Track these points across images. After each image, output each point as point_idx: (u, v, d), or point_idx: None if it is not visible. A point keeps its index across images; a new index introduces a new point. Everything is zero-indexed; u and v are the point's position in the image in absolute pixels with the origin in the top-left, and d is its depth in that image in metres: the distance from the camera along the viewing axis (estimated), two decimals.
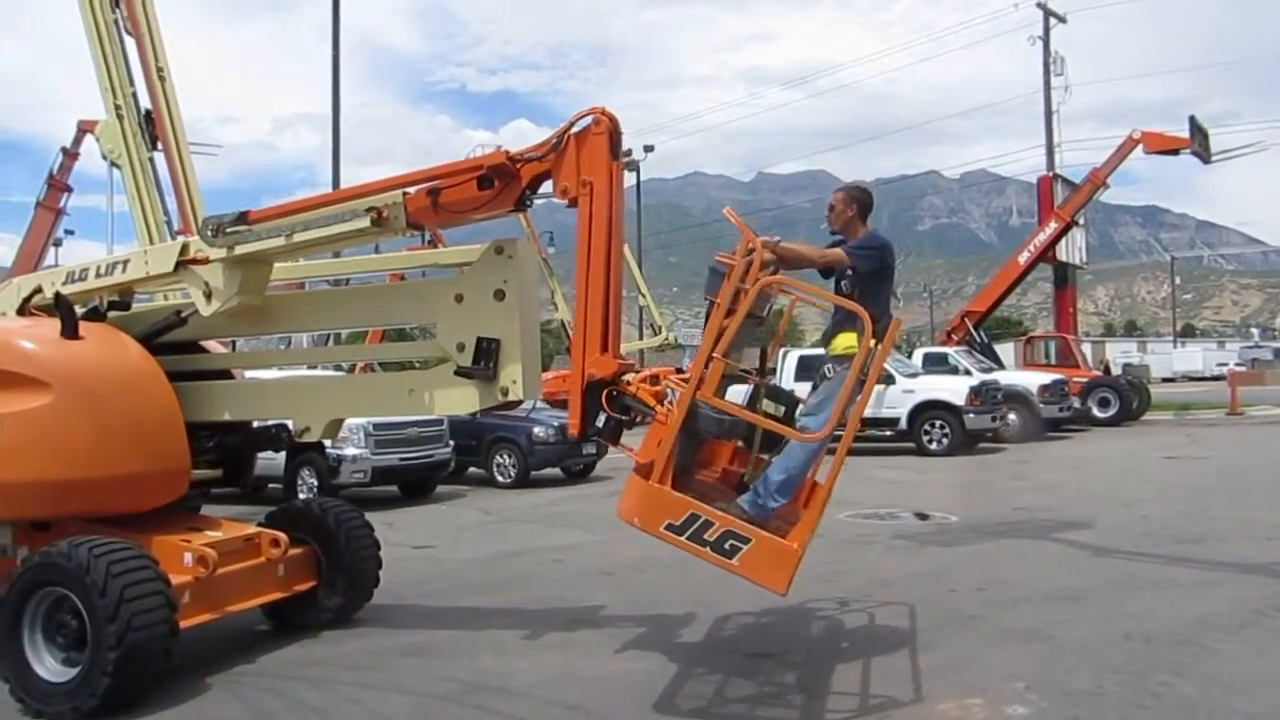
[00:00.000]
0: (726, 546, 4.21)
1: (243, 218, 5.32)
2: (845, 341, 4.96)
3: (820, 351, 5.60)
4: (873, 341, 4.51)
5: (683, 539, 4.27)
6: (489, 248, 5.26)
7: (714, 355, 4.36)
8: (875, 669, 5.24)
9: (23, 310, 6.18)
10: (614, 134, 4.74)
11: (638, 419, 4.74)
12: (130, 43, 13.35)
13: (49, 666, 4.87)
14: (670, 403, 4.54)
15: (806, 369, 15.59)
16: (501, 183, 4.85)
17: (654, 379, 4.97)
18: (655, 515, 4.36)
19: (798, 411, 5.18)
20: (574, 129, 4.72)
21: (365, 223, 5.01)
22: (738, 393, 6.03)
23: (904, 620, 6.19)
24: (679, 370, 4.79)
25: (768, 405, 5.23)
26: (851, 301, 4.79)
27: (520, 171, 4.84)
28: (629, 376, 4.79)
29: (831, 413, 4.51)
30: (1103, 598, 6.66)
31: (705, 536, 4.24)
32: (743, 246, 4.54)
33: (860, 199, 5.32)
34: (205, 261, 5.49)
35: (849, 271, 5.12)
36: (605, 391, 4.62)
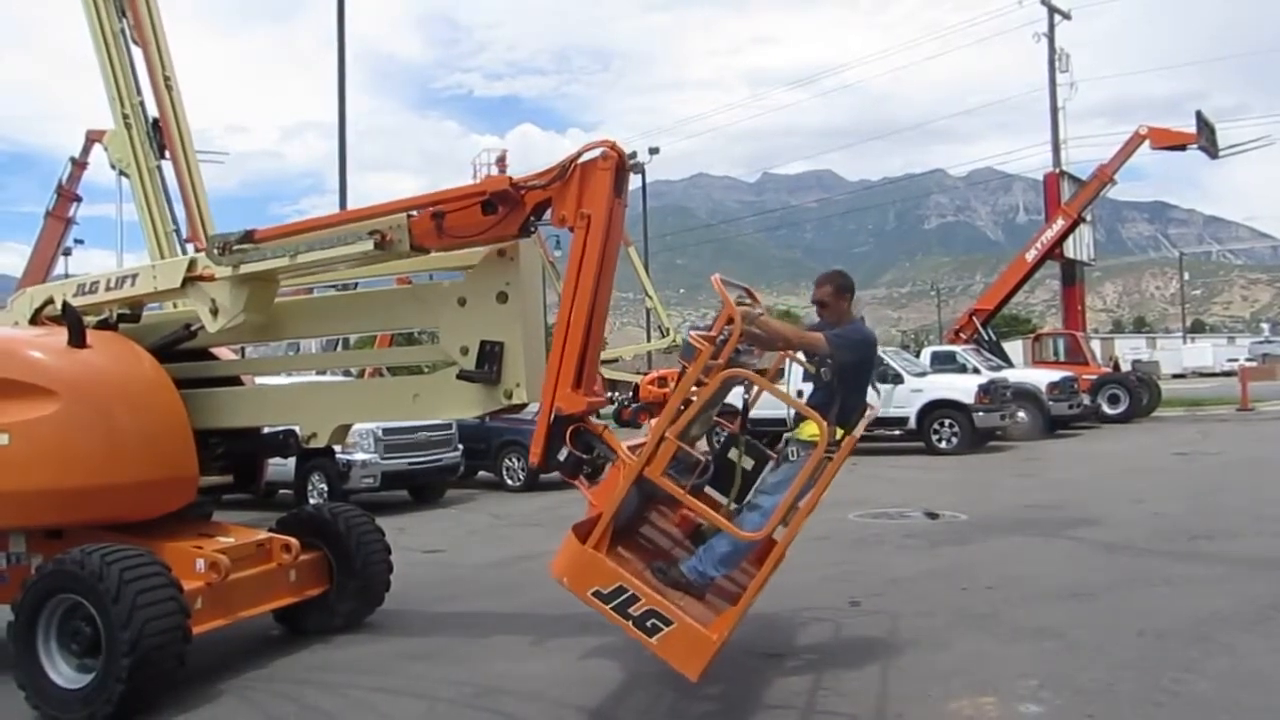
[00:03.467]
0: (648, 625, 4.15)
1: (248, 236, 5.32)
2: (811, 429, 4.80)
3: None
4: (839, 432, 4.53)
5: (608, 608, 4.21)
6: (491, 250, 5.22)
7: (666, 435, 4.25)
8: (887, 668, 5.24)
9: (35, 320, 6.23)
10: (620, 169, 4.66)
11: (599, 458, 4.66)
12: (137, 52, 13.44)
13: (63, 673, 4.91)
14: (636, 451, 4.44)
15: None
16: (505, 209, 4.82)
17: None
18: (584, 580, 4.29)
19: (757, 483, 5.06)
20: (581, 159, 4.65)
21: (369, 245, 4.97)
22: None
23: (915, 619, 6.17)
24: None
25: (744, 460, 5.16)
26: (826, 387, 4.90)
27: (524, 198, 4.80)
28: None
29: (775, 512, 4.43)
30: (1115, 594, 6.64)
31: (630, 610, 4.17)
32: (722, 317, 4.43)
33: (840, 284, 5.22)
34: (211, 279, 5.51)
35: (829, 359, 5.01)
36: (571, 428, 4.56)
